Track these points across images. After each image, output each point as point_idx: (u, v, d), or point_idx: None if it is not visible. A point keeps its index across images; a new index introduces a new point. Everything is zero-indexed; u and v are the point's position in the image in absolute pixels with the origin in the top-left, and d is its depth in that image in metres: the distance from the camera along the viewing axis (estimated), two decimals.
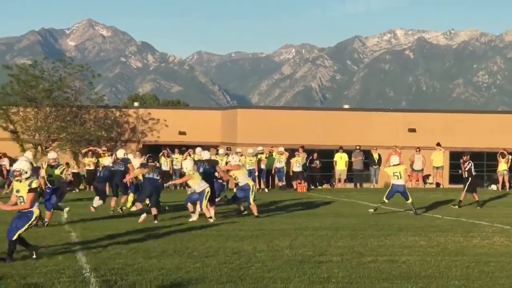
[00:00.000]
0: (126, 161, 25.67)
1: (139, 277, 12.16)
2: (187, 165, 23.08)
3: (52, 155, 22.55)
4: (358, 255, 14.84)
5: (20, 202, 14.13)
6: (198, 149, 37.73)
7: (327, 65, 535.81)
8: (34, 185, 14.10)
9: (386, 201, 24.82)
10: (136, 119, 53.42)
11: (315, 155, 42.89)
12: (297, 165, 39.37)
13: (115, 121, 53.12)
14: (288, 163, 39.61)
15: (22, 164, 14.49)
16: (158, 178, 22.70)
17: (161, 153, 39.73)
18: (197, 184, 22.35)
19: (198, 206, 22.64)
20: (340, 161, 42.24)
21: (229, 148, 40.54)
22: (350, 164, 42.93)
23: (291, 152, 40.32)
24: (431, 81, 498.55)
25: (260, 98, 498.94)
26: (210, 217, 21.98)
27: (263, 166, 39.71)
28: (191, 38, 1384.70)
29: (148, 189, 22.46)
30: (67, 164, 43.76)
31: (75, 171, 43.04)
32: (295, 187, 39.21)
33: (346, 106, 63.11)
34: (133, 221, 21.38)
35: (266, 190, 38.73)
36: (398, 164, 25.03)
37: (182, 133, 52.03)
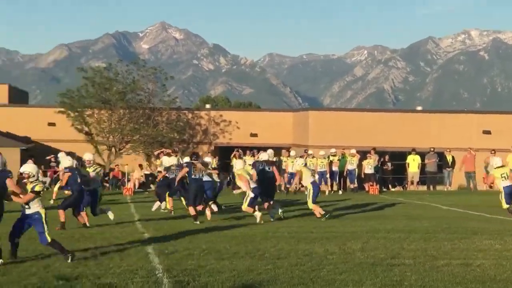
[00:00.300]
0: (181, 166, 25.88)
1: (211, 278, 12.21)
2: (237, 165, 23.20)
3: (87, 156, 22.65)
4: (431, 258, 14.65)
5: (25, 204, 14.26)
6: (269, 151, 37.87)
7: (399, 67, 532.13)
8: (37, 188, 14.28)
9: (508, 205, 24.43)
10: (208, 121, 53.78)
11: (387, 157, 42.57)
12: (369, 167, 39.14)
13: (187, 123, 53.57)
14: (360, 165, 39.39)
15: (30, 167, 14.70)
16: (202, 177, 22.79)
17: (233, 155, 39.89)
18: (246, 182, 22.53)
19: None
20: (413, 163, 41.84)
21: (306, 150, 40.49)
22: (422, 166, 42.49)
23: (363, 154, 40.09)
24: (507, 82, 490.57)
25: (332, 100, 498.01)
26: (255, 211, 21.96)
27: (335, 168, 39.48)
28: (263, 40, 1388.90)
29: (194, 189, 22.61)
30: (140, 166, 44.44)
31: (148, 172, 43.57)
32: (367, 189, 38.97)
33: (419, 108, 62.45)
34: (204, 223, 21.49)
35: (339, 192, 38.51)
36: (502, 166, 24.70)
37: (253, 135, 52.21)
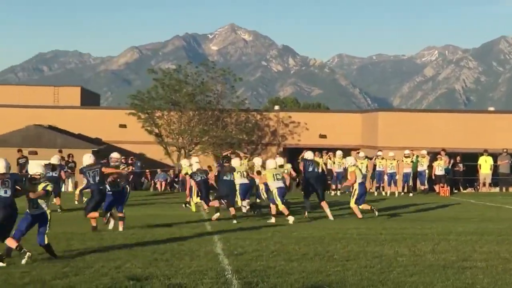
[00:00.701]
0: (206, 171, 26.18)
1: (280, 279, 12.21)
2: (269, 165, 23.25)
3: (114, 154, 22.69)
4: (504, 261, 14.40)
5: (33, 204, 14.59)
6: (338, 152, 37.79)
7: (471, 67, 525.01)
8: (48, 188, 14.80)
9: None
10: (277, 122, 53.87)
11: (458, 158, 41.99)
12: (439, 168, 38.61)
13: (256, 125, 53.72)
14: (430, 166, 38.90)
15: (41, 169, 15.13)
16: (233, 179, 23.23)
17: (301, 156, 39.76)
18: (270, 183, 22.76)
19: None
20: (485, 165, 41.13)
21: (380, 150, 40.17)
22: (495, 168, 41.80)
23: (433, 155, 39.62)
24: None
25: (402, 100, 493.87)
26: (289, 215, 22.09)
27: (408, 170, 38.61)
28: (332, 41, 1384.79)
29: (224, 191, 22.92)
30: (209, 167, 44.66)
31: (216, 173, 43.70)
32: (437, 190, 38.50)
33: (491, 109, 61.52)
34: (274, 224, 21.51)
35: (410, 194, 37.84)
36: None
37: (322, 136, 52.13)
